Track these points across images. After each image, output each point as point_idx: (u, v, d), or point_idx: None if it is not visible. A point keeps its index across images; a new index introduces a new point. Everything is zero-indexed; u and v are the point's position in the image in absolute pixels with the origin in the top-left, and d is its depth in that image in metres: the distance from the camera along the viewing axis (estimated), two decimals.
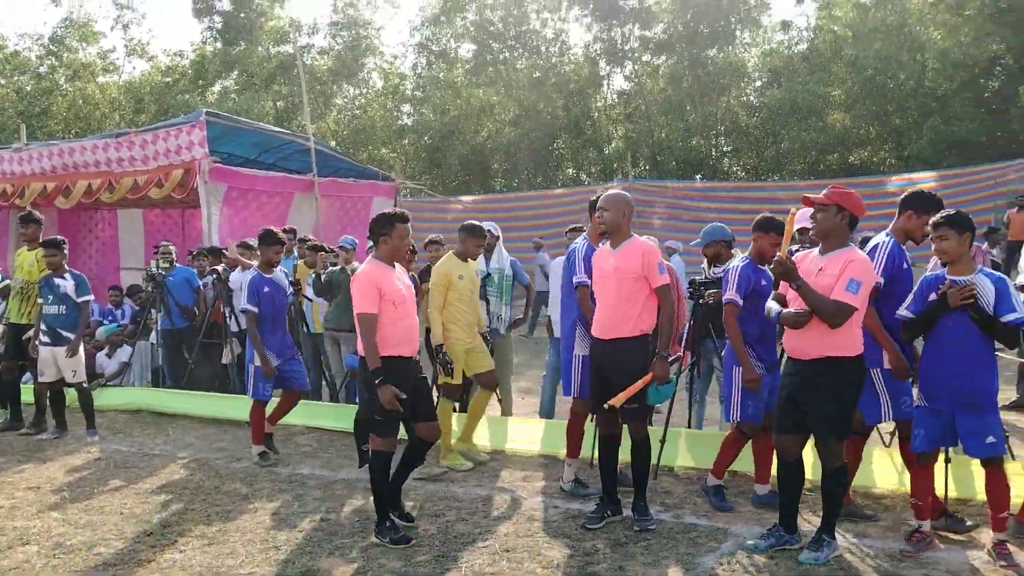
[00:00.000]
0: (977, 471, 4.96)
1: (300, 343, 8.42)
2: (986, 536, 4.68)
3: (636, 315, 5.08)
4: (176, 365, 9.57)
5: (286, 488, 6.16)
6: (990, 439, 4.45)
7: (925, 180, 21.73)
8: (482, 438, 7.20)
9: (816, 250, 4.71)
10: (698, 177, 29.57)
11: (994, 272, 4.61)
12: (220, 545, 5.02)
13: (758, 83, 33.88)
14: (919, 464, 4.70)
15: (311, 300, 8.87)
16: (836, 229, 4.58)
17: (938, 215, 4.67)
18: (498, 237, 7.71)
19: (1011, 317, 4.41)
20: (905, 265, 4.95)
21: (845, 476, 4.68)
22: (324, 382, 9.05)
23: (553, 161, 34.34)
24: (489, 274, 7.57)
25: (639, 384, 4.98)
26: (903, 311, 4.70)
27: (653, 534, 4.99)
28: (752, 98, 33.28)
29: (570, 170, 35.00)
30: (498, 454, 7.06)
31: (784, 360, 4.83)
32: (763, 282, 5.45)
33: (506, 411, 7.76)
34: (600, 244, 5.48)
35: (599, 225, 5.33)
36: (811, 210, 4.72)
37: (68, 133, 31.71)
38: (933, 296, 4.58)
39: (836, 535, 4.64)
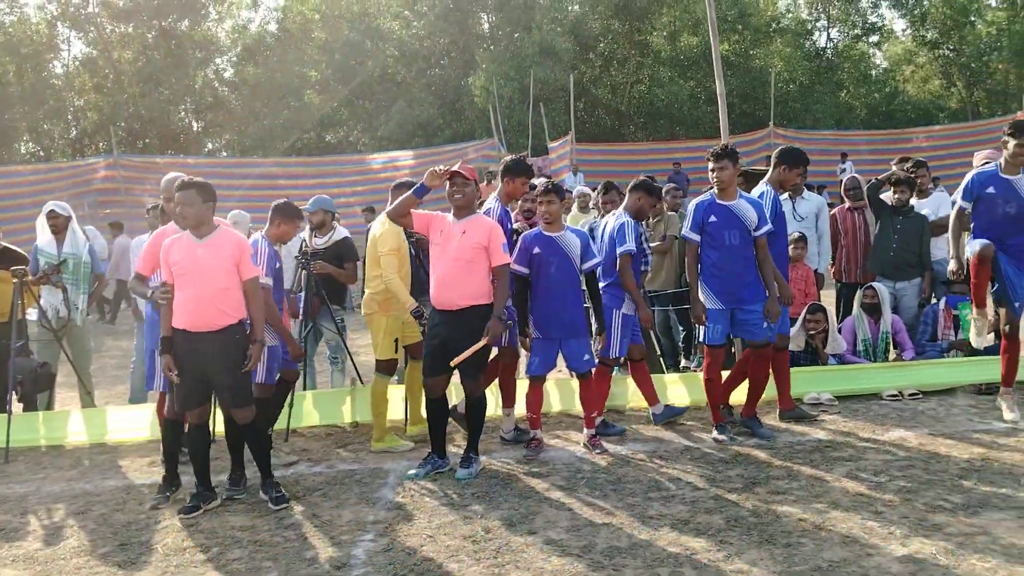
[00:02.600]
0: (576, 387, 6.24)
1: None
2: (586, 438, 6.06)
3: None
4: None
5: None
6: (586, 357, 5.79)
7: (405, 159, 24.25)
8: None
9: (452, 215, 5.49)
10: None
11: (580, 230, 5.95)
12: None
13: (234, 58, 33.78)
14: (532, 385, 5.87)
15: None
16: (473, 199, 5.45)
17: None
18: (70, 218, 7.08)
19: (588, 264, 5.78)
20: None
21: (485, 404, 5.62)
22: None
23: (5, 135, 30.03)
24: (64, 260, 6.94)
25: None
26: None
27: (327, 483, 5.37)
28: (230, 74, 33.08)
29: (29, 144, 30.97)
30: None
31: (431, 312, 5.56)
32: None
33: (90, 401, 7.23)
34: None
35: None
36: None
37: None
38: (538, 250, 5.75)
39: (479, 453, 5.58)
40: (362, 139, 33.97)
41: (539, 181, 6.10)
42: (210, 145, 32.39)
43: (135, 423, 6.80)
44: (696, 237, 5.86)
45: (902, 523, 4.32)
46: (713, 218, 5.78)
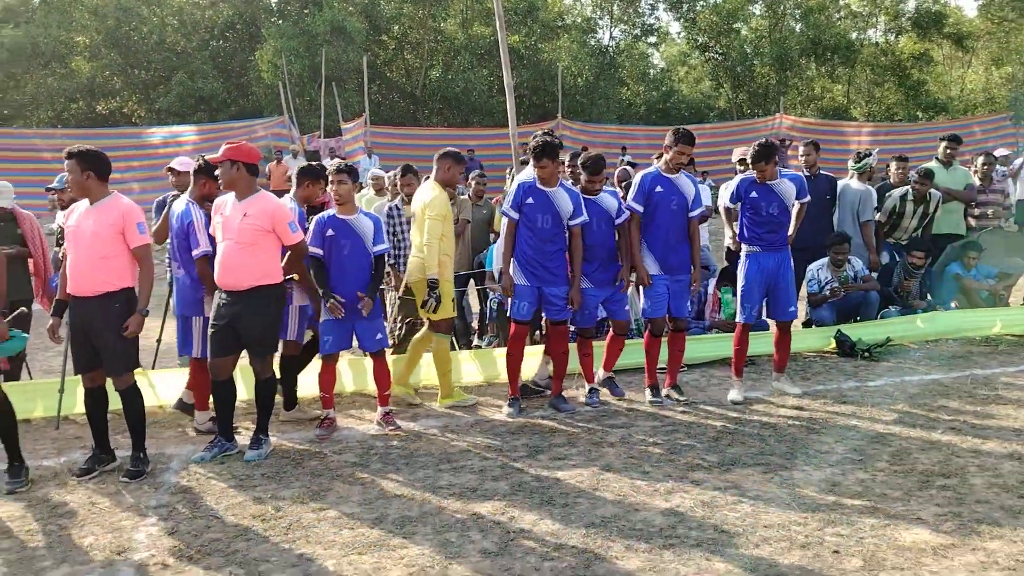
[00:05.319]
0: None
1: None
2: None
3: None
4: None
5: None
6: (378, 336, 5.88)
7: (188, 133, 23.05)
8: None
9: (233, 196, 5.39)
10: None
11: (373, 214, 6.01)
12: None
13: None
14: (325, 364, 5.88)
15: None
16: (240, 179, 5.36)
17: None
18: None
19: (377, 248, 5.88)
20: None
21: (275, 385, 5.57)
22: None
23: None
24: None
25: None
26: None
27: (105, 472, 5.11)
28: None
29: None
30: None
31: (219, 293, 5.42)
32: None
33: None
34: None
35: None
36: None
37: None
38: (331, 232, 5.76)
39: (269, 434, 5.53)
40: (138, 111, 31.77)
41: (332, 162, 6.12)
42: None
43: None
44: (515, 215, 6.09)
45: (665, 480, 4.78)
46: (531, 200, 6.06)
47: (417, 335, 6.61)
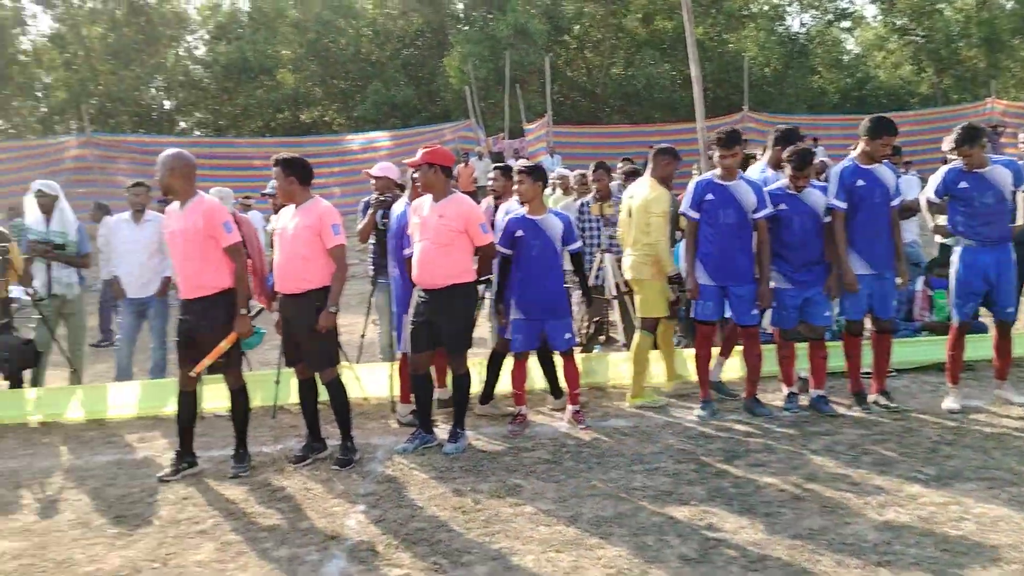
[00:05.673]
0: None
1: None
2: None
3: (212, 273, 5.20)
4: None
5: None
6: (567, 335, 5.91)
7: (383, 139, 24.19)
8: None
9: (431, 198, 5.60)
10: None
11: (563, 212, 6.06)
12: None
13: (206, 36, 33.37)
14: (516, 362, 5.99)
15: None
16: (437, 181, 5.54)
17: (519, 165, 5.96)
18: (57, 197, 7.07)
19: (571, 247, 5.92)
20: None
21: (470, 382, 5.73)
22: None
23: None
24: (50, 239, 6.94)
25: (223, 345, 5.21)
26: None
27: (317, 458, 5.45)
28: (203, 52, 32.69)
29: None
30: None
31: (417, 291, 5.66)
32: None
33: (77, 379, 7.24)
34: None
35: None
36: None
37: None
38: (520, 232, 5.86)
39: (466, 429, 5.70)
40: (337, 119, 33.76)
41: (520, 163, 6.20)
42: (183, 124, 32.01)
43: (125, 400, 6.84)
44: (695, 215, 5.97)
45: (877, 493, 4.50)
46: (710, 196, 5.90)
47: (633, 346, 6.46)
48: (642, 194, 6.25)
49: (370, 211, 6.60)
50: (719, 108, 28.49)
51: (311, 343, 5.30)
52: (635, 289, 6.43)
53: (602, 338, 7.23)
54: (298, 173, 5.33)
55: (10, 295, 7.05)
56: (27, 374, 7.10)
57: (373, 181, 6.77)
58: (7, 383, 6.99)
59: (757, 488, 4.65)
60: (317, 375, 5.46)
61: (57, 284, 7.04)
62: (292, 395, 6.73)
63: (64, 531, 4.52)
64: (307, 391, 5.52)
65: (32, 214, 7.05)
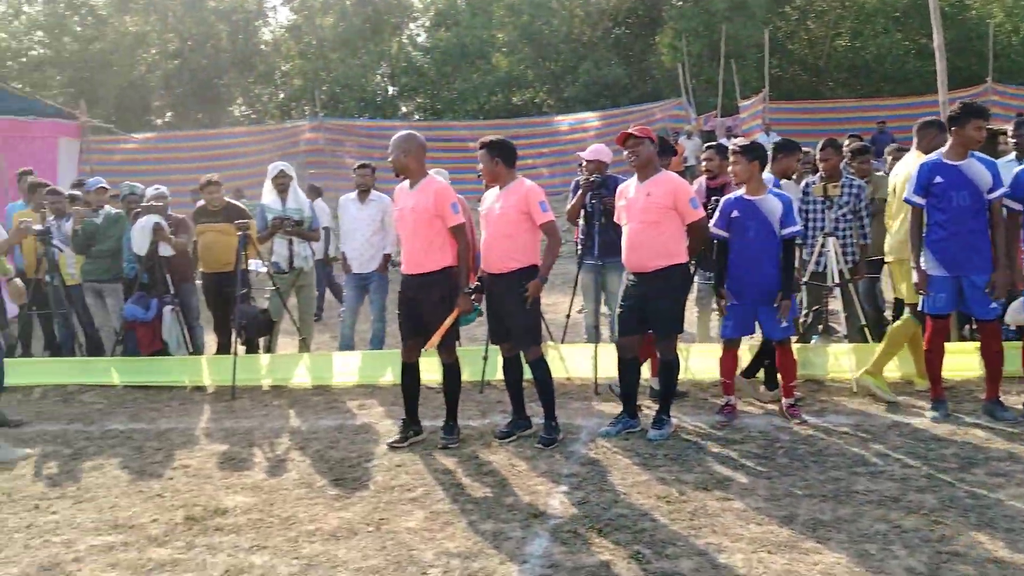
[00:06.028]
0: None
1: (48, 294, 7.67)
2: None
3: (437, 251, 5.34)
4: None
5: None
6: (783, 324, 5.59)
7: (591, 120, 24.15)
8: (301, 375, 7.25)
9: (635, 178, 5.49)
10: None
11: (784, 194, 5.73)
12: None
13: (426, 23, 34.73)
14: (726, 349, 5.75)
15: (61, 249, 7.94)
16: (651, 158, 5.40)
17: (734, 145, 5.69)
18: (292, 178, 7.60)
19: (788, 230, 5.55)
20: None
21: (676, 368, 5.58)
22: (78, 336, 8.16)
23: (220, 98, 32.51)
24: (289, 216, 7.48)
25: (449, 321, 5.32)
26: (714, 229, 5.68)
27: (522, 436, 5.52)
28: (423, 39, 34.08)
29: (241, 107, 33.38)
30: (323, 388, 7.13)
31: (626, 274, 5.58)
32: None
33: (306, 347, 7.78)
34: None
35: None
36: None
37: None
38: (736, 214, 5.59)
39: (671, 415, 5.55)
40: (547, 100, 34.07)
41: (735, 141, 5.90)
42: (404, 108, 33.57)
43: (347, 368, 7.27)
44: (920, 200, 5.45)
45: None
46: (939, 179, 5.36)
47: (895, 324, 6.10)
48: (906, 170, 5.80)
49: (579, 192, 6.57)
50: (958, 79, 25.90)
51: (517, 322, 5.35)
52: (894, 272, 6.06)
53: (820, 327, 6.76)
54: (503, 155, 5.38)
55: (249, 268, 7.66)
56: (261, 341, 7.73)
57: (584, 164, 6.72)
58: (244, 348, 7.62)
59: (998, 500, 4.17)
60: (522, 353, 5.51)
61: (297, 258, 7.58)
62: (498, 372, 6.88)
63: (289, 490, 4.85)
64: (512, 369, 5.59)
65: (269, 194, 7.62)
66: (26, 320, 8.01)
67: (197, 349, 7.87)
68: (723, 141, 12.60)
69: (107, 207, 8.01)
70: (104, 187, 8.13)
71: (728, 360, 5.77)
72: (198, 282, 8.15)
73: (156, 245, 7.44)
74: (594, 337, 6.68)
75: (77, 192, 8.53)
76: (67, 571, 3.94)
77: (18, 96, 13.57)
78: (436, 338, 5.30)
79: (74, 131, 14.12)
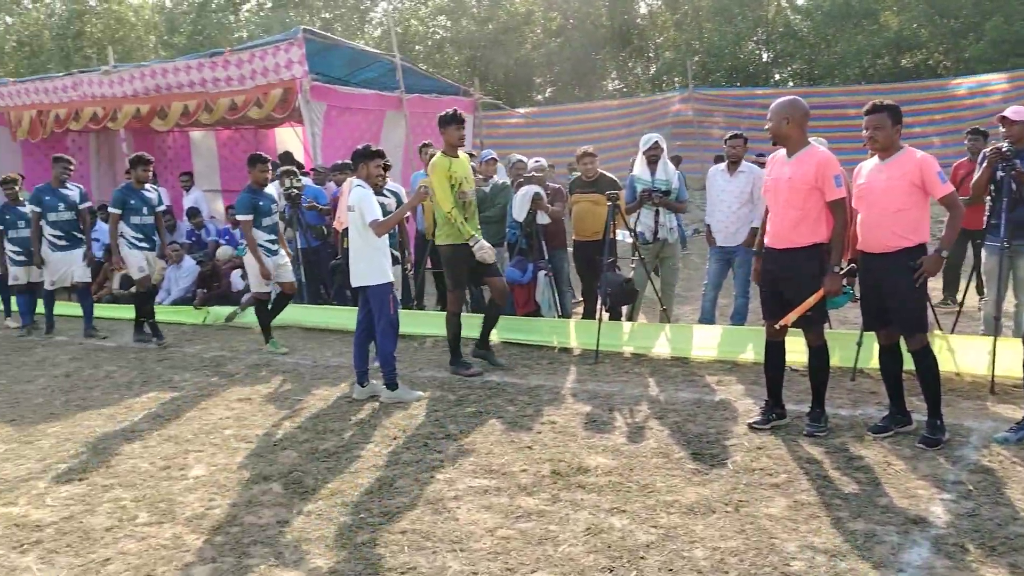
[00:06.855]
0: None
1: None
2: None
3: (809, 225, 4.98)
4: (314, 282, 9.70)
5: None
6: None
7: (998, 82, 21.22)
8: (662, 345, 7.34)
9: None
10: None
11: None
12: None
13: None
14: None
15: None
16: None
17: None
18: (663, 149, 7.66)
19: None
20: None
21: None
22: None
23: (595, 73, 33.70)
24: (657, 187, 7.56)
25: (811, 301, 4.95)
26: None
27: (897, 435, 5.05)
28: (803, 1, 32.34)
29: (615, 82, 34.34)
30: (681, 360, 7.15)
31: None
32: None
33: (667, 317, 7.82)
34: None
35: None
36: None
37: (103, 56, 31.25)
38: None
39: None
40: (943, 62, 30.55)
41: None
42: (777, 76, 32.15)
43: (707, 342, 7.20)
44: None
45: None
46: None
47: None
48: None
49: (985, 164, 5.78)
50: None
51: (901, 305, 4.87)
52: None
53: None
54: (899, 120, 4.89)
55: (616, 237, 7.86)
56: (624, 309, 7.93)
57: (1002, 129, 5.90)
58: (608, 315, 7.86)
59: None
60: (903, 341, 5.01)
61: (662, 229, 7.65)
62: (873, 359, 6.36)
63: (647, 457, 4.91)
64: (890, 359, 5.11)
65: (639, 165, 7.73)
66: (422, 277, 9.17)
67: (565, 313, 8.28)
68: None
69: (495, 177, 8.68)
70: (494, 158, 8.83)
71: None
72: (570, 249, 8.55)
73: (534, 213, 7.93)
74: (993, 329, 5.88)
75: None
76: (448, 507, 4.37)
77: (421, 75, 15.18)
78: (792, 316, 5.01)
79: (469, 106, 15.52)
